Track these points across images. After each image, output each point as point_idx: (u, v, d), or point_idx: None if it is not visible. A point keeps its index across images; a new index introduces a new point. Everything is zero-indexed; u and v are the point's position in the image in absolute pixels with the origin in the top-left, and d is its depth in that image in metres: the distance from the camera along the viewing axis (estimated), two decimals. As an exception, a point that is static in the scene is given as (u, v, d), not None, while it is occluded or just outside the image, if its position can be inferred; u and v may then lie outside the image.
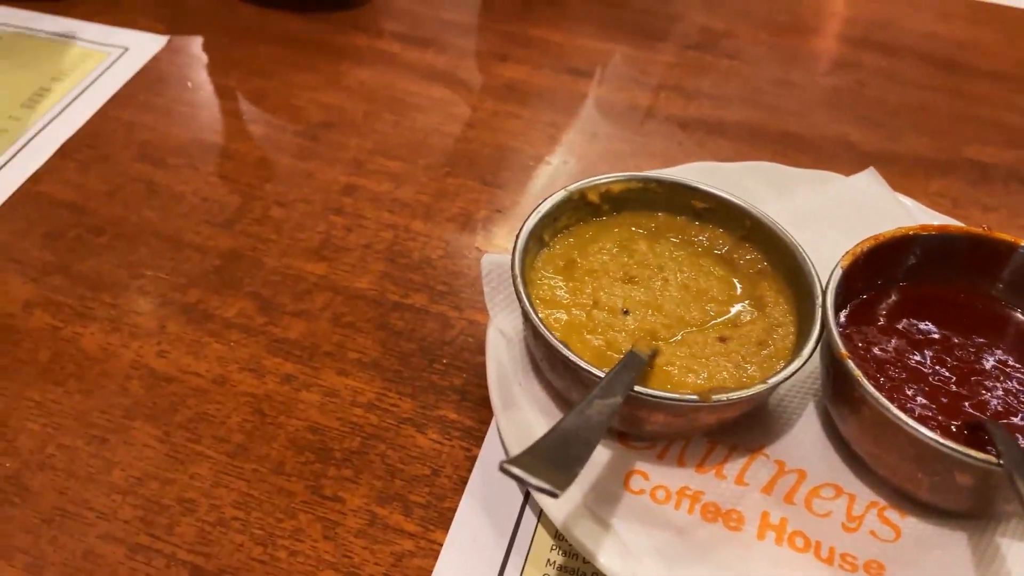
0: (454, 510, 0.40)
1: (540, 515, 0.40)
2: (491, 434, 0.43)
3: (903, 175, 0.56)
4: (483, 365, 0.45)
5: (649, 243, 0.44)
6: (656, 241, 0.44)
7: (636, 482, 0.39)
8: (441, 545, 0.39)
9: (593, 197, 0.44)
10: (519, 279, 0.39)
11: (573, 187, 0.43)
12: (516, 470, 0.29)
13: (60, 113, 0.58)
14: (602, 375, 0.36)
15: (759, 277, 0.43)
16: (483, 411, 0.44)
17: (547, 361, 0.39)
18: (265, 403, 0.43)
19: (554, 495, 0.28)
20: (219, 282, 0.49)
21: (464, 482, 0.41)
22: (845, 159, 0.58)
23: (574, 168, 0.57)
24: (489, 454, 0.42)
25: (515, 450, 0.38)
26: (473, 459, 0.42)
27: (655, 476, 0.39)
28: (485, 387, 0.44)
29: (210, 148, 0.57)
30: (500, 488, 0.40)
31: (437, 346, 0.46)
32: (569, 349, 0.37)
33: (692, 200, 0.45)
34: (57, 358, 0.45)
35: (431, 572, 0.38)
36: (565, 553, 0.39)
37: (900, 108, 0.63)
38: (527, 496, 0.40)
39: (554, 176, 0.56)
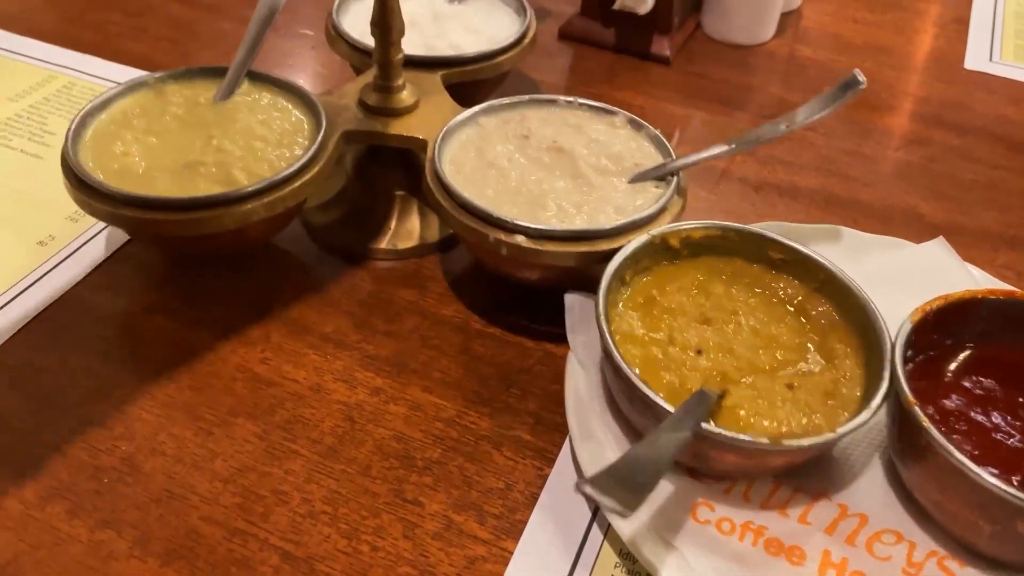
0: (525, 522, 0.42)
1: (606, 534, 0.42)
2: (562, 456, 0.45)
3: (971, 247, 0.58)
4: (557, 392, 0.48)
5: (725, 287, 0.47)
6: (732, 286, 0.47)
7: (703, 512, 0.41)
8: (511, 553, 0.41)
9: (674, 242, 0.47)
10: (602, 316, 0.42)
11: (656, 231, 0.47)
12: (591, 490, 0.32)
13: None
14: (673, 411, 0.38)
15: (830, 329, 0.45)
16: (554, 434, 0.46)
17: (624, 394, 0.42)
18: (355, 411, 0.47)
19: (623, 515, 0.31)
20: (319, 300, 0.53)
21: (535, 498, 0.43)
22: (914, 228, 0.61)
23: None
24: (560, 474, 0.44)
25: (589, 474, 0.41)
26: (544, 477, 0.44)
27: (721, 509, 0.41)
28: (557, 412, 0.47)
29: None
30: (569, 506, 0.43)
31: (514, 372, 0.50)
32: (645, 384, 0.39)
33: (768, 250, 0.47)
34: (172, 357, 0.49)
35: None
36: (628, 572, 0.41)
37: (969, 184, 0.65)
38: (594, 515, 0.42)
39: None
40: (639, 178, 0.51)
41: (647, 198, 0.50)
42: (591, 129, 0.54)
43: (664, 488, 0.41)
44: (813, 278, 0.47)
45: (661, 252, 0.47)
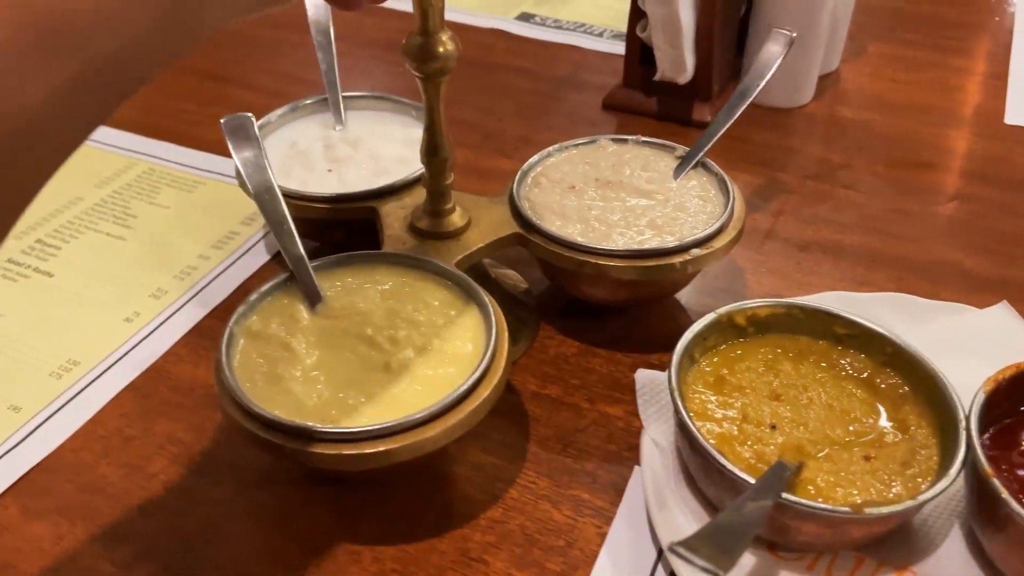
0: (586, 579, 0.44)
1: (665, 590, 0.43)
2: (620, 515, 0.47)
3: (1020, 300, 0.59)
4: (613, 453, 0.50)
5: (793, 364, 0.48)
6: (800, 363, 0.48)
7: None
8: (574, 609, 0.43)
9: (740, 320, 0.49)
10: (676, 392, 0.44)
11: (722, 310, 0.49)
12: (685, 551, 0.33)
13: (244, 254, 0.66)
14: (753, 482, 0.40)
15: (901, 401, 0.46)
16: (612, 493, 0.48)
17: (702, 470, 0.44)
18: (425, 474, 0.49)
19: None
20: (384, 367, 0.56)
21: (595, 555, 0.45)
22: (961, 284, 0.62)
23: (699, 281, 0.62)
24: (618, 533, 0.46)
25: (668, 542, 0.42)
26: (603, 535, 0.46)
27: None
28: (614, 472, 0.49)
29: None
30: (628, 564, 0.44)
31: (571, 433, 0.52)
32: (723, 456, 0.41)
33: (834, 326, 0.49)
34: (249, 424, 0.53)
35: (565, 633, 0.42)
36: (688, 628, 0.42)
37: (1015, 238, 0.66)
38: (652, 574, 0.44)
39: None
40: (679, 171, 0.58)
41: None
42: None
43: (746, 563, 0.43)
44: (880, 351, 0.48)
45: (728, 330, 0.49)
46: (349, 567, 0.45)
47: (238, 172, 0.60)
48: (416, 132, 0.65)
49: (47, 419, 0.53)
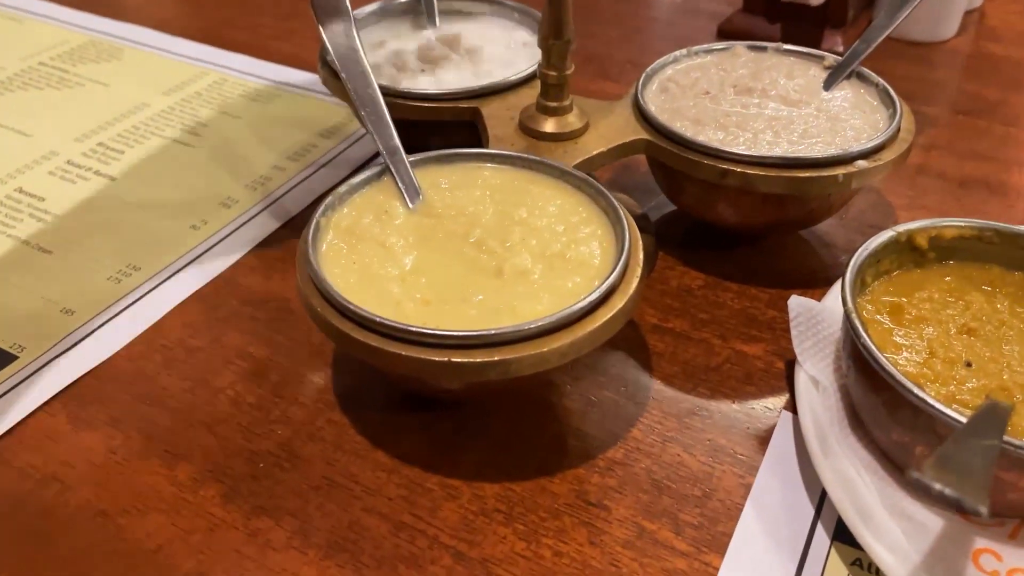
0: (729, 535, 0.36)
1: (828, 552, 0.35)
2: (766, 464, 0.39)
3: None
4: (753, 395, 0.43)
5: (986, 296, 0.40)
6: (993, 295, 0.40)
7: (988, 561, 0.34)
8: (717, 569, 0.35)
9: (921, 241, 0.40)
10: (853, 315, 0.36)
11: (901, 228, 0.40)
12: (931, 477, 0.25)
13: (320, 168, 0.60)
14: (963, 420, 0.32)
15: None
16: (754, 440, 0.40)
17: (885, 409, 0.35)
18: (528, 406, 0.42)
19: (978, 513, 0.25)
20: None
21: (738, 508, 0.37)
22: None
23: (842, 215, 0.54)
24: (766, 483, 0.38)
25: (839, 498, 0.35)
26: (747, 487, 0.38)
27: (1009, 558, 0.34)
28: (754, 416, 0.42)
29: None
30: (782, 520, 0.37)
31: (701, 371, 0.44)
32: (924, 391, 0.33)
33: None
34: (328, 341, 0.46)
35: (708, 595, 0.34)
36: (859, 599, 0.34)
37: None
38: (812, 530, 0.36)
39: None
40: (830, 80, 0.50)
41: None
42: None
43: (936, 529, 0.35)
44: None
45: (905, 253, 0.41)
46: (445, 503, 0.38)
47: (322, 60, 0.53)
48: (519, 35, 0.58)
49: (102, 324, 0.47)
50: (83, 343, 0.46)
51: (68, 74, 0.71)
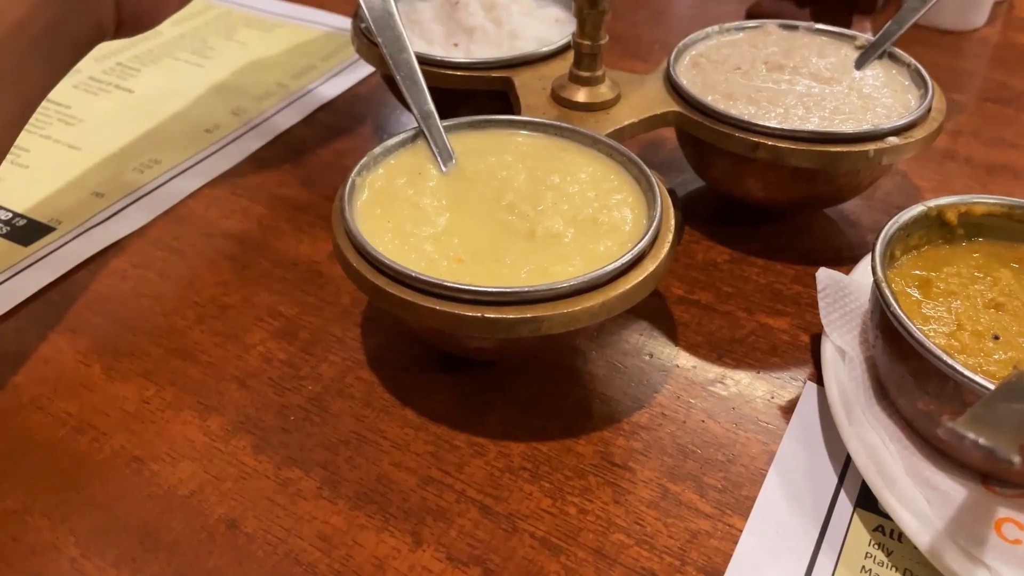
0: (752, 499, 0.37)
1: (851, 518, 0.36)
2: (790, 433, 0.40)
3: None
4: (778, 366, 0.43)
5: (1014, 273, 0.40)
6: (1021, 272, 0.40)
7: (1010, 530, 0.34)
8: (740, 531, 0.36)
9: (951, 217, 0.41)
10: (884, 283, 0.36)
11: (931, 203, 0.41)
12: (963, 428, 0.26)
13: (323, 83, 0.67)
14: (991, 387, 0.32)
15: None
16: (778, 410, 0.41)
17: (912, 376, 0.36)
18: (555, 370, 0.43)
19: (1010, 462, 0.25)
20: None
21: (762, 474, 0.38)
22: None
23: (869, 195, 0.54)
24: (791, 450, 0.39)
25: (864, 465, 0.35)
26: (771, 454, 0.39)
27: None
28: (779, 386, 0.42)
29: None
30: (805, 485, 0.37)
31: (726, 343, 0.44)
32: (953, 359, 0.33)
33: None
34: (357, 303, 0.47)
35: (730, 555, 0.35)
36: (880, 564, 0.34)
37: None
38: (835, 495, 0.37)
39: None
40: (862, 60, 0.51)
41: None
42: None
43: (958, 498, 0.35)
44: None
45: (935, 228, 0.41)
46: (472, 459, 0.38)
47: (356, 29, 0.54)
48: (553, 11, 0.59)
49: (129, 204, 0.54)
50: (112, 219, 0.53)
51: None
